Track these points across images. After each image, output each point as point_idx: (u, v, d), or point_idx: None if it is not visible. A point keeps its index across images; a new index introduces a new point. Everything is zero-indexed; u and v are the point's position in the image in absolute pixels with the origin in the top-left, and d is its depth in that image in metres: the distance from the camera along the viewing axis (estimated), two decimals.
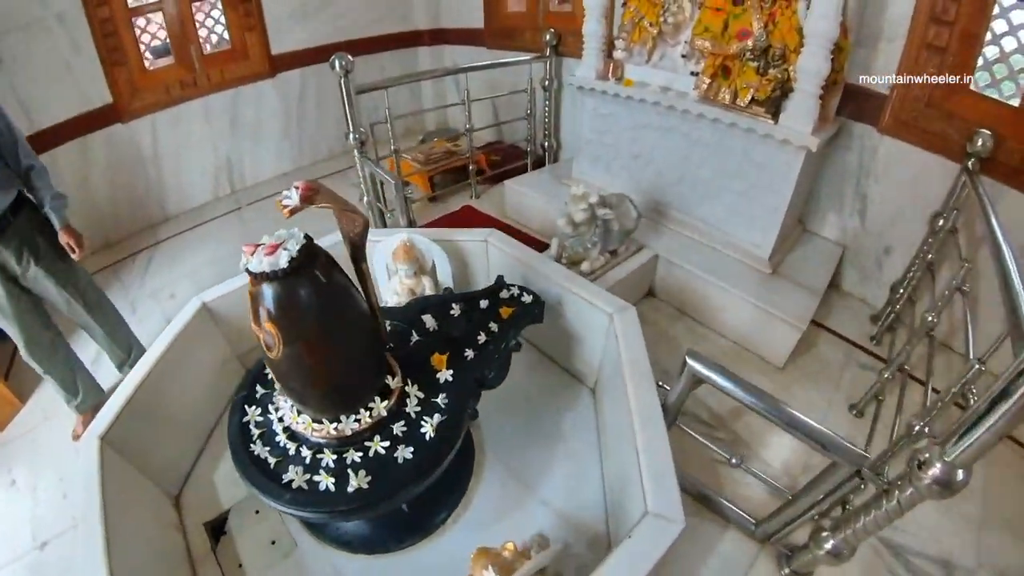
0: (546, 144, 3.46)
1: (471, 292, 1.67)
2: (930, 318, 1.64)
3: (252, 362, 1.94)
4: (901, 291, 2.08)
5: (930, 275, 1.94)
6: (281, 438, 1.26)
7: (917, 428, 1.39)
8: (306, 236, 1.07)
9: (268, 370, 1.36)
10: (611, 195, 2.16)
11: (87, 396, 2.09)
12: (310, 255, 1.06)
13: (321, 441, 1.23)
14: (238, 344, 1.95)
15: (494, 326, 1.52)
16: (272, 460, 1.22)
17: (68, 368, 2.05)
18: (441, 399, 1.31)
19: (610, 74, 2.49)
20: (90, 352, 2.33)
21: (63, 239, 1.81)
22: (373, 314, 1.24)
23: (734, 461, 1.52)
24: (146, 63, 3.25)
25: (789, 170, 2.03)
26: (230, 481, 1.63)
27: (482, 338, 1.48)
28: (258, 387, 1.40)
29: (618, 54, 2.45)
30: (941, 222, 1.90)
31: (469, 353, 1.43)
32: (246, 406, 1.34)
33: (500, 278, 1.68)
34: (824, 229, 2.49)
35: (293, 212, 1.01)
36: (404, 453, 1.21)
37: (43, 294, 1.94)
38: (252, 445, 1.26)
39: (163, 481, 1.59)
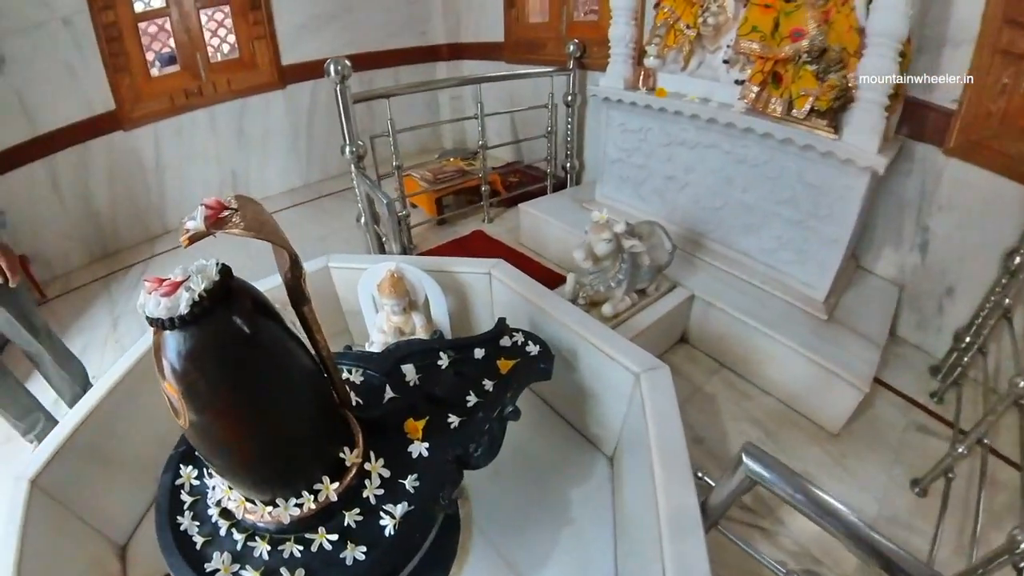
0: (568, 165, 3.17)
1: (465, 338, 1.36)
2: (1021, 383, 1.26)
3: None
4: (967, 340, 1.72)
5: (1007, 323, 1.58)
6: (213, 512, 1.00)
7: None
8: (222, 270, 0.81)
9: None
10: (640, 223, 1.85)
11: (44, 430, 1.85)
12: (225, 297, 0.80)
13: (257, 524, 0.97)
14: None
15: (488, 384, 1.21)
16: (200, 539, 0.97)
17: (20, 395, 1.83)
18: (410, 481, 1.01)
19: (640, 83, 2.19)
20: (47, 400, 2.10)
21: None
22: (322, 371, 0.98)
23: (782, 572, 1.15)
24: (154, 71, 3.13)
25: (851, 195, 1.69)
26: None
27: (472, 399, 1.17)
28: None
29: (649, 61, 2.15)
30: (1018, 260, 1.57)
31: (453, 420, 1.12)
32: (181, 465, 1.09)
33: (502, 321, 1.38)
34: (879, 266, 2.13)
35: (194, 240, 0.75)
36: (355, 553, 0.93)
37: None
38: (180, 516, 1.01)
39: (107, 529, 1.35)
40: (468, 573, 1.26)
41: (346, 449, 1.01)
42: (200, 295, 0.75)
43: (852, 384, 1.63)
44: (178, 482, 1.07)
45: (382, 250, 2.56)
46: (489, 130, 3.47)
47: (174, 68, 3.22)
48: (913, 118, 1.83)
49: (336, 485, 0.97)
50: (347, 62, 2.13)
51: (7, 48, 2.53)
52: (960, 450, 1.42)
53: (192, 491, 1.05)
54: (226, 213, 0.76)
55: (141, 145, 3.08)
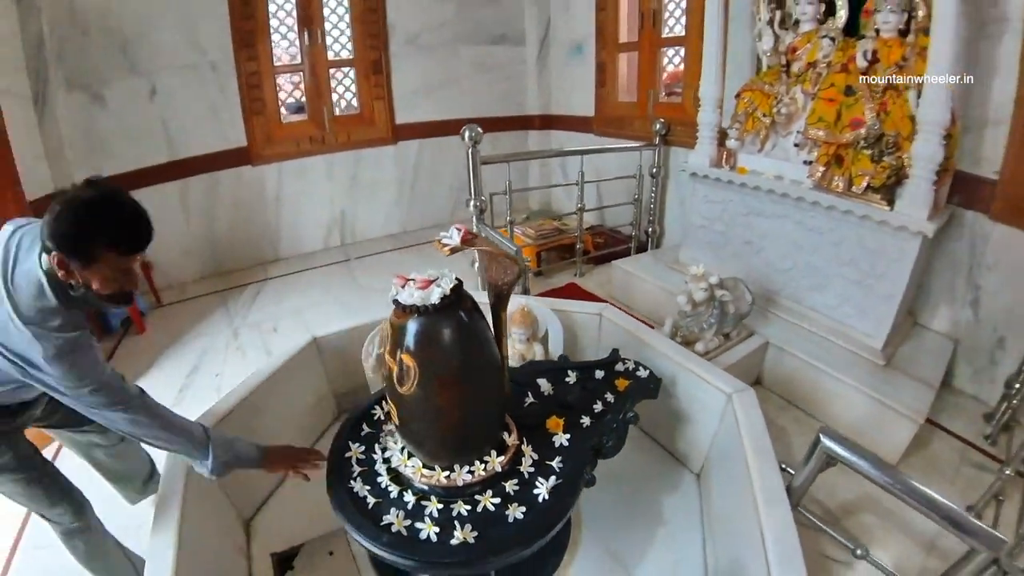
0: (650, 230, 3.99)
1: (587, 362, 1.90)
2: None
3: (348, 403, 2.38)
4: (1017, 386, 2.25)
5: None
6: (384, 479, 1.41)
7: None
8: (456, 280, 1.27)
9: (376, 410, 1.63)
10: (727, 278, 2.53)
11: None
12: (459, 295, 1.24)
13: (427, 488, 1.37)
14: (336, 383, 2.33)
15: (610, 396, 1.72)
16: (372, 500, 1.36)
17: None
18: (556, 463, 1.45)
19: (723, 162, 3.02)
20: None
21: None
22: (501, 365, 1.40)
23: (858, 552, 1.63)
24: (283, 117, 4.19)
25: (905, 257, 2.36)
26: (306, 516, 1.83)
27: (599, 407, 1.67)
28: (364, 425, 1.60)
29: (730, 143, 2.99)
30: None
31: (585, 420, 1.61)
32: (350, 442, 1.52)
33: (615, 351, 1.94)
34: (935, 322, 2.74)
35: (453, 251, 1.22)
36: (515, 512, 1.31)
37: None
38: (352, 482, 1.40)
39: (238, 502, 1.82)
40: (580, 559, 1.75)
41: (506, 433, 1.46)
42: (447, 292, 1.20)
43: (907, 416, 2.19)
44: (347, 455, 1.48)
45: None
46: (576, 196, 4.36)
47: (300, 116, 4.29)
48: (962, 189, 2.44)
49: (501, 459, 1.39)
50: (479, 128, 2.95)
51: (159, 81, 3.57)
52: (1007, 472, 1.91)
53: (359, 463, 1.46)
54: (470, 234, 1.26)
55: (265, 180, 4.09)
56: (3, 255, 1.24)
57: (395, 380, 1.23)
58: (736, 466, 1.63)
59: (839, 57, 2.60)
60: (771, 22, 2.87)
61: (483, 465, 1.36)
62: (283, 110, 4.25)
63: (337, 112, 4.39)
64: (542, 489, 1.36)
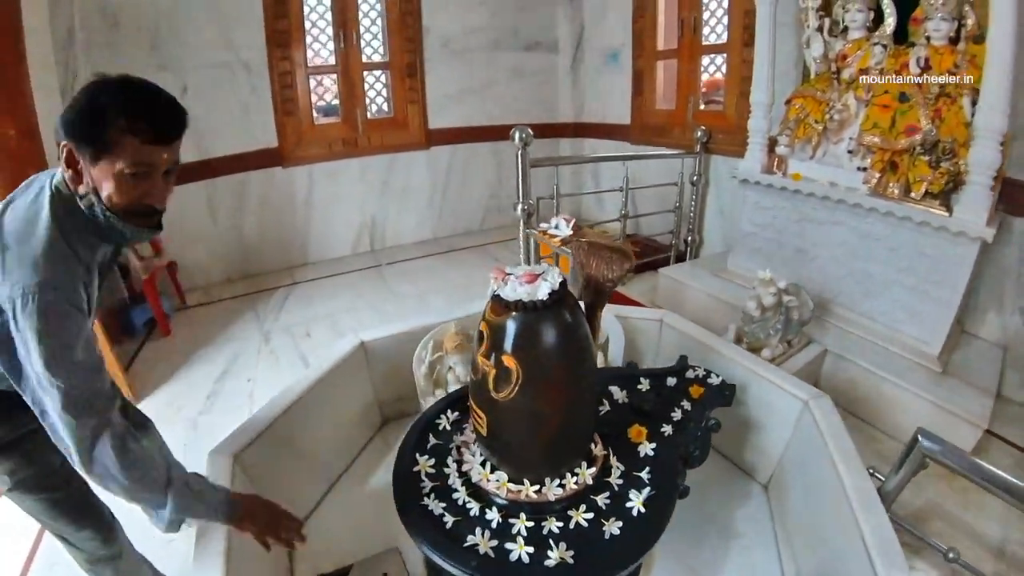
0: (689, 238, 4.06)
1: (657, 369, 1.92)
2: None
3: (392, 412, 2.38)
4: None
5: None
6: (461, 495, 1.34)
7: None
8: (560, 273, 1.22)
9: (441, 419, 1.58)
10: (789, 284, 2.57)
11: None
12: (564, 291, 1.20)
13: (512, 504, 1.31)
14: (382, 391, 2.31)
15: (687, 404, 1.72)
16: (450, 519, 1.28)
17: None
18: (645, 474, 1.42)
19: (774, 168, 3.10)
20: None
21: None
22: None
23: (951, 556, 1.67)
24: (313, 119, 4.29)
25: (963, 262, 2.42)
26: (355, 534, 1.80)
27: (677, 415, 1.66)
28: (431, 437, 1.55)
29: (780, 149, 3.07)
30: None
31: (667, 429, 1.60)
32: (417, 454, 1.46)
33: (684, 358, 1.95)
34: (983, 329, 2.82)
35: (565, 243, 1.28)
36: (612, 528, 1.27)
37: None
38: (425, 499, 1.33)
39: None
40: (657, 573, 1.75)
41: (592, 444, 1.43)
42: (555, 287, 1.16)
43: (970, 422, 2.25)
44: (415, 469, 1.42)
45: None
46: (608, 203, 4.47)
47: (332, 119, 4.39)
48: (1011, 195, 2.52)
49: (592, 470, 1.35)
50: (529, 130, 3.03)
51: (190, 79, 3.64)
52: None
53: (430, 477, 1.39)
54: (578, 225, 1.33)
55: (296, 182, 4.17)
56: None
57: (490, 385, 1.17)
58: (819, 473, 1.65)
59: (891, 64, 2.69)
60: (820, 29, 2.97)
61: (574, 478, 1.32)
62: (313, 112, 4.35)
63: (368, 115, 4.49)
64: (635, 502, 1.32)
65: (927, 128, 2.51)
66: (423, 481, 1.37)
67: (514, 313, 1.14)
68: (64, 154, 1.01)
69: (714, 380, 1.85)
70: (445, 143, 4.63)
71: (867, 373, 2.56)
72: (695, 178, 3.93)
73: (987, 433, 2.46)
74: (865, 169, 2.73)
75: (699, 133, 3.85)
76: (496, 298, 1.16)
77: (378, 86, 4.53)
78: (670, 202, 4.04)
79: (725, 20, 3.94)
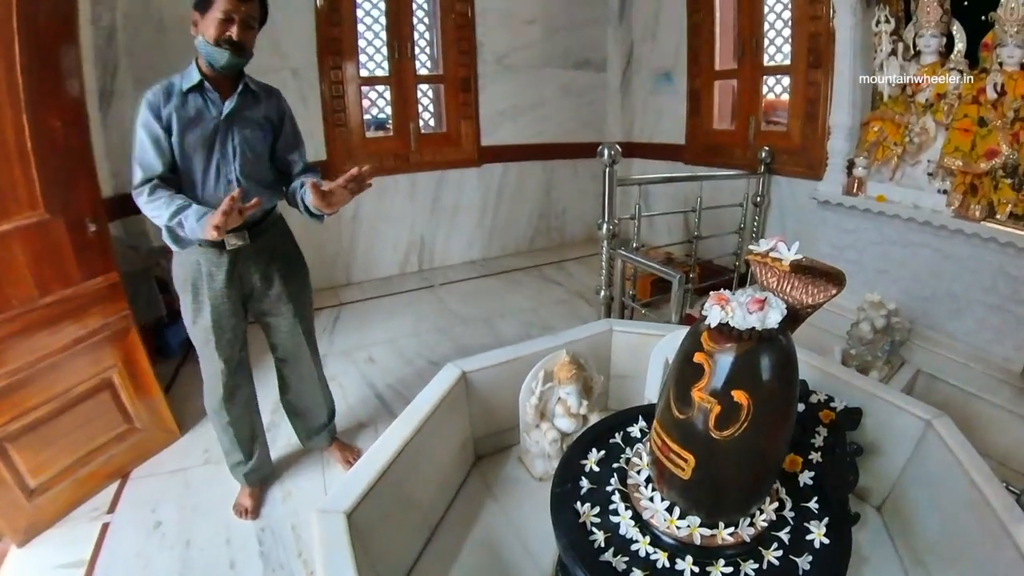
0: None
1: None
2: None
3: (486, 447, 2.38)
4: None
5: None
6: (640, 545, 1.36)
7: None
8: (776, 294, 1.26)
9: (590, 461, 1.61)
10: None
11: (260, 466, 2.45)
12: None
13: (703, 550, 1.33)
14: (479, 425, 2.31)
15: (822, 429, 1.81)
16: (640, 573, 1.30)
17: (251, 430, 2.39)
18: (813, 504, 1.50)
19: (854, 190, 3.51)
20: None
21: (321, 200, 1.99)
22: None
23: None
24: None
25: None
26: None
27: (819, 441, 1.76)
28: (584, 481, 1.56)
29: (859, 171, 3.48)
30: None
31: (814, 456, 1.69)
32: (578, 503, 1.48)
33: (804, 383, 2.00)
34: None
35: (796, 269, 1.20)
36: (803, 563, 1.32)
37: (270, 325, 2.33)
38: (603, 554, 1.35)
39: (386, 571, 1.73)
40: None
41: None
42: (784, 314, 1.17)
43: None
44: (580, 520, 1.44)
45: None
46: (659, 224, 4.86)
47: (382, 133, 4.76)
48: None
49: (775, 505, 1.41)
50: (618, 147, 3.41)
51: None
52: None
53: (598, 527, 1.41)
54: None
55: None
56: None
57: (710, 423, 1.18)
58: (952, 491, 1.76)
59: (968, 89, 3.09)
60: (893, 52, 3.41)
61: (761, 515, 1.37)
62: (367, 125, 4.69)
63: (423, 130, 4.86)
64: (816, 533, 1.39)
65: (1007, 152, 2.92)
66: (593, 533, 1.40)
67: (745, 343, 1.15)
68: (192, 20, 1.88)
69: (837, 404, 1.96)
70: (496, 160, 5.03)
71: (958, 392, 2.91)
72: (758, 199, 4.34)
73: None
74: (945, 191, 3.14)
75: (763, 154, 4.27)
76: (719, 327, 1.18)
77: (424, 100, 4.91)
78: (725, 223, 4.43)
79: (788, 40, 4.37)
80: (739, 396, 1.14)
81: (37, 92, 2.18)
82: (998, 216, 2.94)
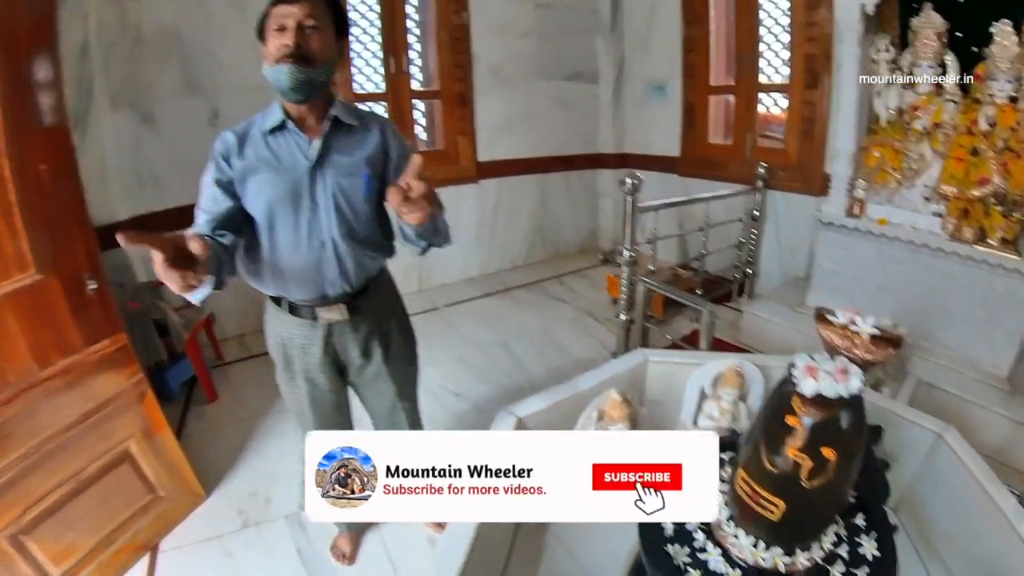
0: (748, 272, 5.04)
1: None
2: None
3: None
4: None
5: None
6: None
7: None
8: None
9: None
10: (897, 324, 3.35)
11: None
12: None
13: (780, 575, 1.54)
14: None
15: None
16: None
17: None
18: (860, 519, 1.68)
19: (855, 211, 4.11)
20: None
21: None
22: None
23: None
24: None
25: None
26: None
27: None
28: (668, 524, 1.70)
29: (859, 193, 4.09)
30: None
31: None
32: (667, 546, 1.64)
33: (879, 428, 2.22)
34: None
35: (875, 340, 1.59)
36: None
37: (366, 399, 2.28)
38: None
39: None
40: None
41: None
42: (863, 379, 1.38)
43: None
44: (674, 563, 1.58)
45: (644, 344, 4.14)
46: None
47: None
48: None
49: (833, 526, 1.59)
50: (638, 174, 3.85)
51: (223, 103, 3.98)
52: None
53: (693, 566, 1.58)
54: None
55: None
56: None
57: (803, 476, 1.38)
58: (963, 495, 1.99)
59: (962, 120, 3.67)
60: (891, 81, 4.01)
61: (828, 538, 1.57)
62: None
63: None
64: (867, 547, 1.59)
65: (998, 181, 3.51)
66: (688, 572, 1.57)
67: (832, 408, 1.36)
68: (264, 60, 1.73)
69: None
70: (494, 176, 5.45)
71: (954, 398, 3.49)
72: (755, 214, 4.93)
73: None
74: (940, 215, 3.75)
75: (761, 170, 4.83)
76: (820, 396, 1.37)
77: (416, 115, 5.27)
78: (722, 236, 4.94)
79: (785, 62, 4.93)
80: (827, 452, 1.35)
81: (15, 130, 1.98)
82: (990, 240, 3.56)
